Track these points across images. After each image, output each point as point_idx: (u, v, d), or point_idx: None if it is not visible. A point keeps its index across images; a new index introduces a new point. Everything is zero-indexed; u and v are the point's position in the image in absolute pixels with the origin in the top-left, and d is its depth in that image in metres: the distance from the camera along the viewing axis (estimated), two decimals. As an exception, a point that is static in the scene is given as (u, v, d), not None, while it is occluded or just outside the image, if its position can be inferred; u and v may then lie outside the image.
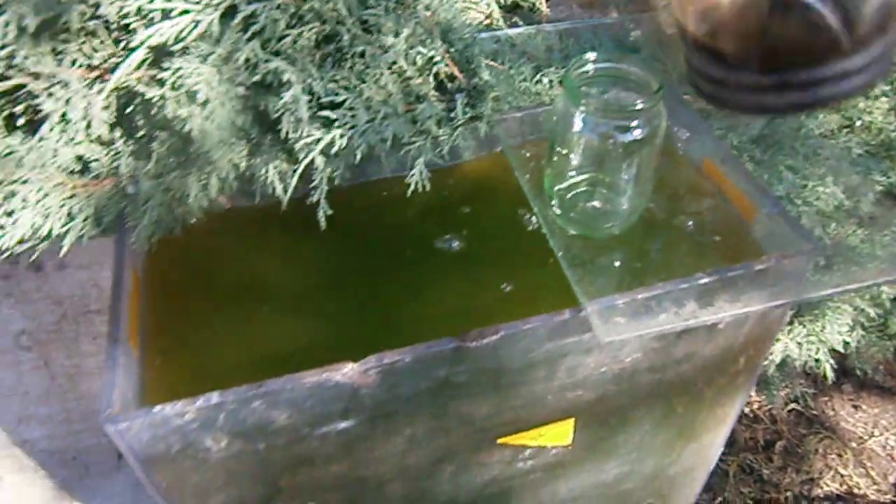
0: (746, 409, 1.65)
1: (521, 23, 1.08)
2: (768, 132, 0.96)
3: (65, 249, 0.65)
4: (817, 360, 1.38)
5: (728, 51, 0.48)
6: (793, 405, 1.65)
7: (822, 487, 1.53)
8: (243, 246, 0.80)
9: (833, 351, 1.35)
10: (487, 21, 1.11)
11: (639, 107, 0.61)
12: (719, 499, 1.48)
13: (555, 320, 0.64)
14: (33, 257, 0.72)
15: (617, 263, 0.70)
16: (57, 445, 1.52)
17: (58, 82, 0.53)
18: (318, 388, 0.61)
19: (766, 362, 1.39)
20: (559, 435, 0.79)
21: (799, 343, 1.36)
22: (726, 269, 0.66)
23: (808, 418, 1.64)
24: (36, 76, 0.53)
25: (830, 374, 1.34)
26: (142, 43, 0.52)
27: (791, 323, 1.34)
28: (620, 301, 0.64)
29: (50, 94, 0.53)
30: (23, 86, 0.53)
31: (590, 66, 0.66)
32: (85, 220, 0.66)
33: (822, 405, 1.65)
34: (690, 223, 0.73)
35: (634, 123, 0.62)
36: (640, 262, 0.69)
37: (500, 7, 1.14)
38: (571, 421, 0.78)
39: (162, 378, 0.69)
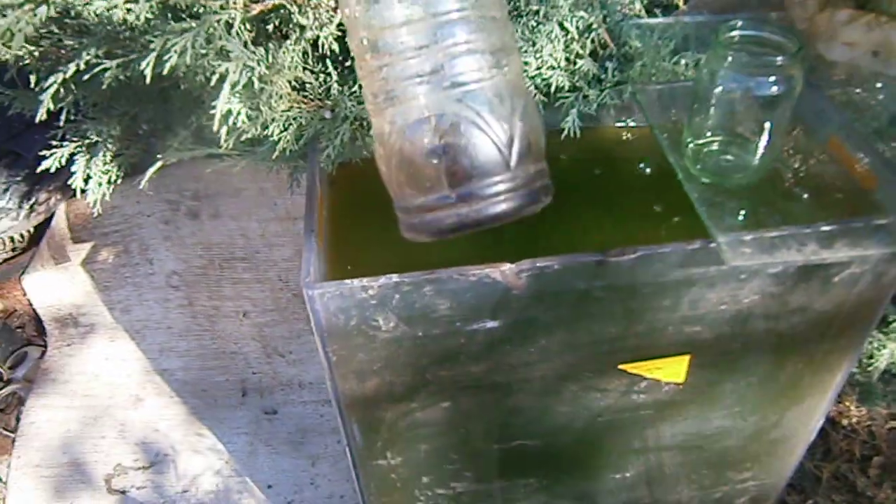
0: (845, 421, 1.65)
1: (660, 15, 1.18)
2: (893, 123, 1.02)
3: (277, 152, 0.79)
4: (924, 370, 1.39)
5: (420, 185, 0.66)
6: (893, 423, 1.64)
7: (918, 508, 1.52)
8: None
9: (942, 363, 1.36)
10: (630, 13, 1.22)
11: (779, 63, 0.70)
12: (810, 501, 1.50)
13: (687, 248, 0.73)
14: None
15: (745, 209, 0.78)
16: (191, 377, 1.69)
17: (309, 6, 0.67)
18: (478, 283, 0.72)
19: (870, 369, 1.42)
20: (674, 371, 0.87)
21: (905, 351, 1.38)
22: (847, 220, 0.74)
23: (909, 439, 1.63)
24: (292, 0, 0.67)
25: (937, 386, 1.35)
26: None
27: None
28: (748, 236, 0.72)
29: (303, 14, 0.67)
30: (281, 6, 0.67)
31: (736, 32, 0.75)
32: (293, 132, 0.80)
33: (924, 427, 1.64)
34: (815, 182, 0.80)
35: (773, 79, 0.71)
36: (766, 208, 0.77)
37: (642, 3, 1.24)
38: (687, 358, 0.86)
39: (337, 273, 0.82)
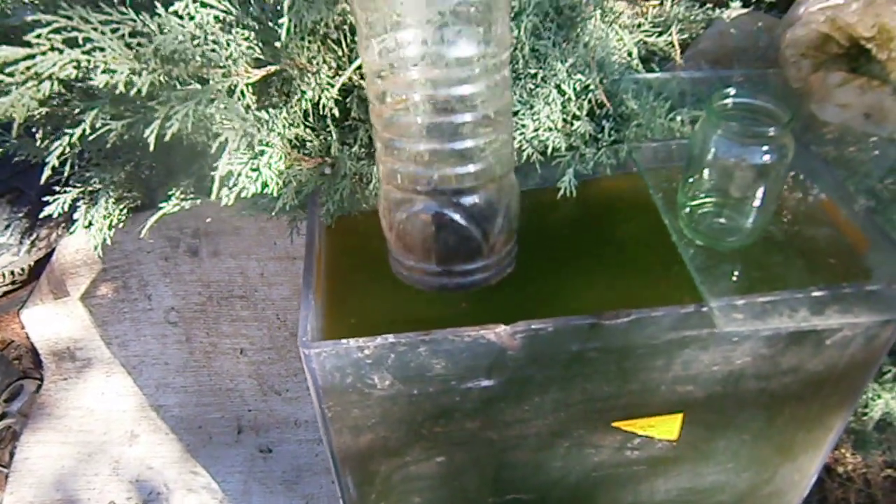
0: (840, 469, 1.65)
1: (657, 69, 1.20)
2: (887, 185, 1.03)
3: (277, 208, 0.80)
4: (918, 422, 1.40)
5: (414, 254, 0.77)
6: (889, 471, 1.64)
7: (914, 558, 1.51)
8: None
9: (936, 415, 1.36)
10: (626, 68, 1.24)
11: (771, 134, 0.72)
12: (806, 551, 1.49)
13: (680, 311, 0.74)
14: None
15: (737, 272, 0.79)
16: (187, 413, 1.69)
17: (310, 72, 0.69)
18: (473, 344, 0.73)
19: (865, 418, 1.42)
20: (668, 429, 0.87)
21: (900, 401, 1.38)
22: (838, 285, 0.75)
23: (904, 487, 1.62)
24: (293, 66, 0.68)
25: (931, 437, 1.35)
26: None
27: (894, 381, 1.36)
28: (740, 301, 0.73)
29: (303, 80, 0.68)
30: (282, 71, 0.69)
31: (729, 100, 0.77)
32: (293, 189, 0.81)
33: (920, 475, 1.64)
34: (807, 246, 0.82)
35: (766, 148, 0.73)
36: (758, 273, 0.78)
37: (638, 56, 1.27)
38: (680, 416, 0.86)
39: (340, 330, 0.83)
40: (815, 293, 0.74)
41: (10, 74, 0.51)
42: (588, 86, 0.86)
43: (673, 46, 1.23)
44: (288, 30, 0.64)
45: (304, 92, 0.69)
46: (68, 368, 1.74)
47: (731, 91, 0.77)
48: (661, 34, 1.23)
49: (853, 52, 0.98)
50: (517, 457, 0.88)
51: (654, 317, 0.74)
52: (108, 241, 1.10)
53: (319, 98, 0.70)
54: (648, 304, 0.78)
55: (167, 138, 0.61)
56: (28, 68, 0.52)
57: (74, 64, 0.53)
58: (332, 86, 0.70)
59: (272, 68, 0.68)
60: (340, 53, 0.72)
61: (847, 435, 1.62)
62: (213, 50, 0.61)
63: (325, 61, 0.70)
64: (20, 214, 1.68)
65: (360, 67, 0.73)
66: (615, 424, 0.85)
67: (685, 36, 1.25)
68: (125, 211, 1.12)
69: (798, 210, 0.87)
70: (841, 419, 0.93)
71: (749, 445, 0.93)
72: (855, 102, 0.97)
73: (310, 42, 0.68)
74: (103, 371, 1.74)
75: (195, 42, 0.59)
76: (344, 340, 0.72)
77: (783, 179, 0.77)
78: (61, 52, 0.52)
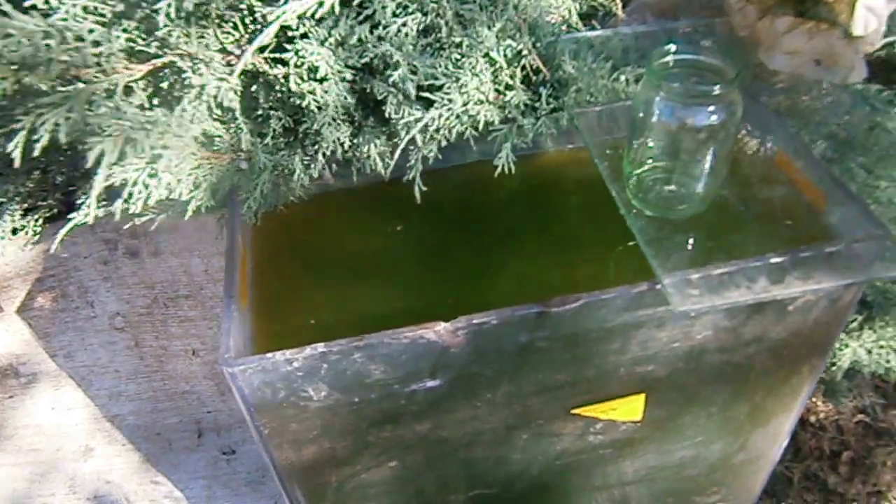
0: (812, 418, 1.64)
1: (598, 27, 1.13)
2: (840, 131, 0.98)
3: (189, 213, 0.73)
4: (888, 369, 1.38)
5: None
6: (861, 416, 1.63)
7: (890, 501, 1.51)
8: (339, 222, 0.87)
9: (904, 360, 1.34)
10: (564, 26, 1.17)
11: (716, 92, 0.66)
12: (783, 504, 1.48)
13: (632, 292, 0.69)
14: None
15: (691, 242, 0.74)
16: (143, 421, 1.62)
17: (202, 61, 0.61)
18: (413, 345, 0.67)
19: (833, 368, 1.39)
20: (630, 410, 0.83)
21: (868, 350, 1.36)
22: (797, 249, 0.70)
23: (877, 430, 1.62)
24: (183, 55, 0.61)
25: (901, 381, 1.34)
26: (276, 18, 0.59)
27: (861, 329, 1.33)
28: (695, 275, 0.68)
29: (195, 71, 0.61)
30: (171, 63, 0.61)
31: (670, 58, 0.71)
32: (206, 189, 0.74)
33: (891, 418, 1.63)
34: (763, 208, 0.77)
35: (711, 108, 0.67)
36: (713, 242, 0.73)
37: (579, 15, 1.20)
38: (642, 396, 0.82)
39: (266, 335, 0.76)
40: (774, 260, 0.69)
41: None
42: (520, 51, 0.79)
43: (614, 2, 1.16)
44: (168, 15, 0.56)
45: (202, 86, 0.61)
46: (13, 385, 1.66)
47: (672, 48, 0.71)
48: (600, -12, 1.16)
49: (799, -5, 0.92)
50: (475, 453, 0.83)
51: (605, 299, 0.68)
52: (31, 250, 1.01)
53: (218, 89, 0.62)
54: (599, 283, 0.72)
55: (36, 153, 0.53)
56: None
57: None
58: (231, 73, 0.63)
59: (158, 62, 0.60)
60: (238, 37, 0.64)
61: (818, 384, 1.61)
62: (77, 49, 0.53)
63: (223, 48, 0.63)
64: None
65: (262, 49, 0.65)
66: (575, 411, 0.80)
67: (627, -12, 1.18)
68: (40, 221, 1.04)
69: (752, 169, 0.82)
70: (809, 381, 0.89)
71: (717, 417, 0.89)
72: (804, 48, 0.91)
73: (199, 27, 0.61)
74: (51, 385, 1.65)
75: (48, 42, 0.51)
76: (270, 354, 0.66)
77: (733, 139, 0.72)
78: None
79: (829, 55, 0.90)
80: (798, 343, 0.81)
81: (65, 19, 0.54)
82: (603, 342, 0.73)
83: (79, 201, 0.91)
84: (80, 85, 0.54)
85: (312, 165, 0.79)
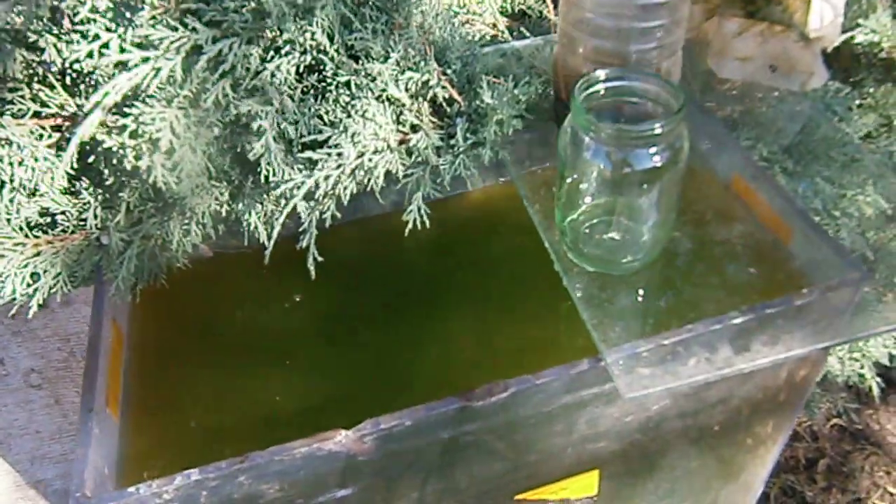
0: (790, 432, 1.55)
1: (528, 34, 1.01)
2: (801, 140, 0.88)
3: (32, 311, 0.60)
4: (861, 376, 1.30)
5: None
6: (835, 420, 1.55)
7: (870, 508, 1.44)
8: (233, 292, 0.75)
9: (878, 364, 1.27)
10: (493, 32, 1.05)
11: (657, 131, 0.54)
12: (761, 524, 1.39)
13: (571, 373, 0.57)
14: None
15: (640, 302, 0.62)
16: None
17: (6, 142, 0.48)
18: (310, 458, 0.55)
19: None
20: (584, 487, 0.72)
21: (840, 358, 1.28)
22: (762, 305, 0.59)
23: (853, 434, 1.54)
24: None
25: (876, 390, 1.26)
26: (97, 104, 0.47)
27: (839, 344, 1.25)
28: (644, 348, 0.57)
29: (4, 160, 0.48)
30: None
31: (600, 86, 0.59)
32: (55, 277, 0.61)
33: (866, 419, 1.56)
34: (721, 251, 0.66)
35: (653, 150, 0.55)
36: (665, 300, 0.62)
37: (506, 15, 1.08)
38: (595, 472, 0.71)
39: (145, 444, 0.64)
40: (736, 320, 0.58)
41: None
42: (427, 82, 0.67)
43: (544, 3, 1.05)
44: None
45: (10, 176, 0.48)
46: (-80, 457, 1.50)
47: (601, 74, 0.59)
48: (528, -10, 1.04)
49: (748, -7, 0.81)
50: (408, 552, 0.71)
51: (539, 384, 0.57)
52: None
53: (41, 178, 0.49)
54: (536, 353, 0.61)
55: None
56: None
57: None
58: (59, 151, 0.50)
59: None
60: (59, 102, 0.51)
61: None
62: None
63: (36, 114, 0.50)
64: None
65: (89, 113, 0.52)
66: (518, 497, 0.69)
67: (557, -12, 1.07)
68: None
69: (705, 201, 0.71)
70: (784, 431, 0.79)
71: (684, 479, 0.78)
72: (757, 53, 0.80)
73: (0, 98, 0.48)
74: (-37, 453, 1.50)
75: None
76: (133, 488, 0.53)
77: (681, 177, 0.60)
78: None
79: (786, 60, 0.80)
80: (770, 398, 0.71)
81: None
82: (544, 426, 0.62)
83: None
84: None
85: (190, 232, 0.66)
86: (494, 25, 1.01)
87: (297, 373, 0.67)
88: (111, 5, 0.46)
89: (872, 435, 1.54)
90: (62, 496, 1.47)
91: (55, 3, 0.43)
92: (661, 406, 0.65)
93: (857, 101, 1.07)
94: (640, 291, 0.63)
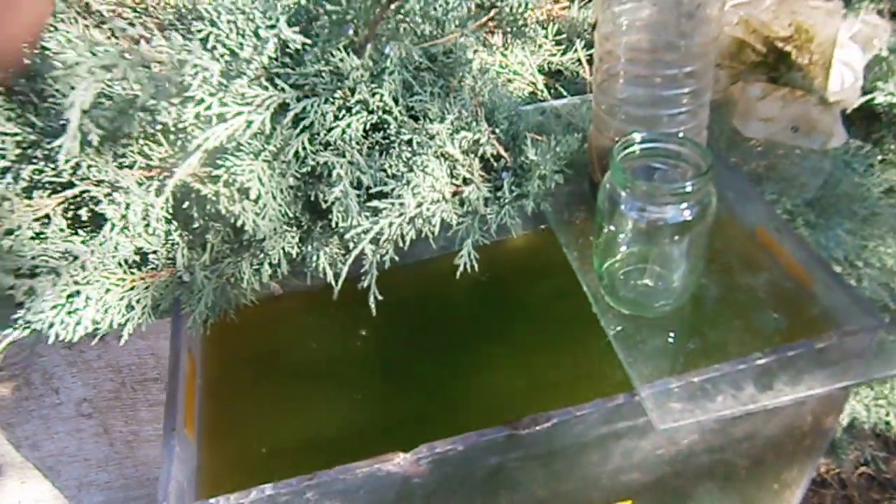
0: (815, 476, 1.57)
1: (565, 92, 1.09)
2: (823, 195, 0.94)
3: (124, 339, 0.67)
4: (888, 423, 1.32)
5: None
6: (863, 469, 1.57)
7: (899, 557, 1.45)
8: (296, 327, 0.82)
9: (904, 413, 1.29)
10: (532, 90, 1.13)
11: (688, 189, 0.61)
12: (789, 570, 1.40)
13: (608, 405, 0.63)
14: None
15: (671, 343, 0.68)
16: (115, 512, 1.54)
17: (119, 188, 0.56)
18: (370, 478, 0.61)
19: (832, 426, 1.33)
20: (617, 517, 0.77)
21: (866, 406, 1.31)
22: (784, 347, 0.64)
23: (881, 483, 1.56)
24: (98, 183, 0.55)
25: (902, 437, 1.28)
26: (198, 147, 0.55)
27: (858, 385, 1.28)
28: (675, 385, 0.62)
29: (111, 200, 0.56)
30: (84, 192, 0.56)
31: (636, 147, 0.66)
32: (143, 308, 0.68)
33: (895, 468, 1.57)
34: (746, 297, 0.71)
35: (684, 206, 0.62)
36: (694, 341, 0.67)
37: (543, 73, 1.15)
38: (629, 503, 0.75)
39: (219, 463, 0.70)
40: (760, 361, 0.63)
41: None
42: (478, 140, 0.74)
43: (580, 63, 1.13)
44: (82, 143, 0.51)
45: (123, 215, 0.56)
46: (-24, 480, 1.57)
47: (637, 137, 0.66)
48: (565, 52, 1.12)
49: (771, 60, 0.88)
50: (452, 574, 0.76)
51: (579, 416, 0.62)
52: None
53: (144, 216, 0.57)
54: (578, 388, 0.67)
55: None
56: None
57: None
58: (158, 195, 0.57)
59: (69, 193, 0.54)
60: (163, 153, 0.59)
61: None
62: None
63: (141, 166, 0.58)
64: None
65: (190, 154, 0.60)
66: (557, 524, 0.74)
67: (592, 52, 1.15)
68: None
69: (732, 251, 0.77)
70: (807, 472, 0.83)
71: (711, 514, 0.82)
72: (779, 115, 0.87)
73: (114, 150, 0.56)
74: (16, 478, 1.57)
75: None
76: (213, 500, 0.59)
77: (709, 231, 0.66)
78: None
79: (806, 122, 0.86)
80: (794, 436, 0.75)
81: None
82: (581, 455, 0.67)
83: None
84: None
85: (262, 271, 0.73)
86: (533, 84, 1.09)
87: (356, 402, 0.73)
88: (221, 79, 0.54)
89: (901, 484, 1.55)
90: (107, 523, 1.54)
91: (177, 79, 0.51)
92: (690, 440, 0.70)
93: (879, 157, 1.13)
94: (671, 333, 0.68)
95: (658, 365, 0.65)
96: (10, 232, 0.51)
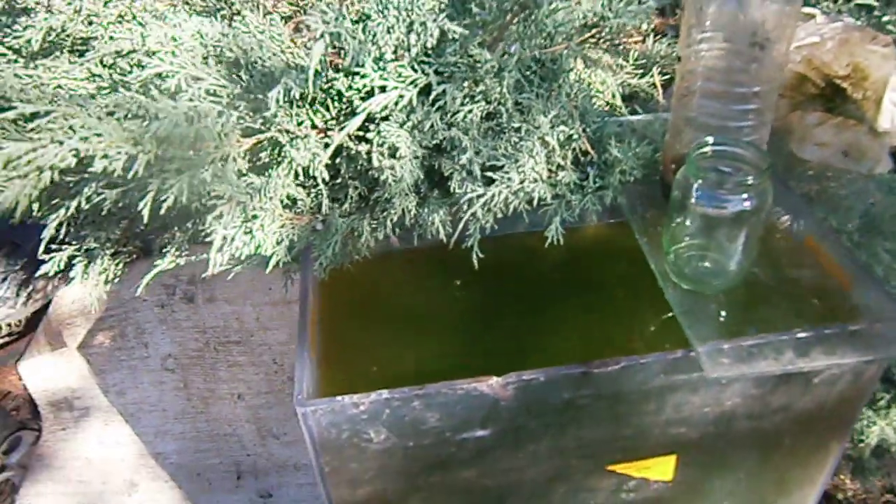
0: (840, 496, 1.65)
1: (640, 110, 1.22)
2: (867, 218, 1.05)
3: (269, 267, 0.82)
4: (915, 448, 1.40)
5: None
6: (889, 496, 1.64)
7: (917, 583, 1.51)
8: (399, 281, 0.96)
9: (932, 440, 1.37)
10: (609, 108, 1.27)
11: (749, 182, 0.74)
12: (809, 580, 1.48)
13: (668, 357, 0.75)
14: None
15: (723, 315, 0.80)
16: (186, 460, 1.69)
17: (300, 137, 0.71)
18: (466, 396, 0.74)
19: (861, 445, 1.42)
20: (662, 470, 0.88)
21: (895, 428, 1.39)
22: (822, 326, 0.76)
23: (905, 511, 1.62)
24: (283, 131, 0.70)
25: (928, 463, 1.36)
26: (364, 109, 0.69)
27: (889, 407, 1.37)
28: (726, 345, 0.75)
29: (293, 145, 0.70)
30: (272, 138, 0.71)
31: (709, 148, 0.79)
32: (286, 246, 0.83)
33: (920, 499, 1.64)
34: (791, 287, 0.83)
35: (745, 196, 0.75)
36: (744, 316, 0.80)
37: (621, 96, 1.29)
38: (674, 457, 0.87)
39: (335, 382, 0.84)
40: (800, 335, 0.75)
41: (14, 168, 0.53)
42: (571, 135, 0.88)
43: (655, 87, 1.26)
44: (277, 100, 0.66)
45: (293, 158, 0.71)
46: (66, 418, 1.74)
47: (711, 139, 0.79)
48: (643, 75, 1.26)
49: (829, 93, 1.00)
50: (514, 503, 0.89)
51: (644, 363, 0.75)
52: (105, 296, 1.11)
53: (311, 162, 0.72)
54: (638, 349, 0.79)
55: (162, 211, 0.63)
56: (30, 162, 0.53)
57: (74, 153, 0.55)
58: (325, 149, 0.72)
59: (262, 136, 0.70)
60: (329, 117, 0.74)
61: (846, 461, 1.63)
62: (206, 127, 0.63)
63: (313, 125, 0.73)
64: (16, 267, 1.69)
65: (356, 114, 0.75)
66: (610, 468, 0.86)
67: (667, 76, 1.28)
68: (121, 265, 1.14)
69: (782, 251, 0.89)
70: (834, 454, 0.94)
71: (744, 483, 0.93)
72: (833, 141, 0.99)
73: (298, 108, 0.71)
74: (101, 420, 1.73)
75: (190, 121, 0.61)
76: (339, 397, 0.73)
77: (763, 223, 0.79)
78: (61, 143, 0.54)
79: (856, 148, 0.98)
80: (823, 414, 0.86)
81: (191, 100, 0.64)
82: (640, 403, 0.79)
83: (164, 250, 1.01)
84: (201, 154, 0.64)
85: (379, 229, 0.87)
86: (612, 101, 1.23)
87: (452, 345, 0.87)
88: (379, 62, 0.69)
89: (924, 516, 1.62)
90: (177, 468, 1.68)
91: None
92: (733, 403, 0.82)
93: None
94: (725, 308, 0.81)
95: (712, 330, 0.78)
96: (224, 158, 0.66)
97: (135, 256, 1.16)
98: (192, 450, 1.71)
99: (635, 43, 1.42)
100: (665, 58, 1.38)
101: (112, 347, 1.74)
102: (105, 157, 0.56)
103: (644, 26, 1.43)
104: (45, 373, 1.73)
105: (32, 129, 0.56)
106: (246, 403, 1.70)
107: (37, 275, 1.02)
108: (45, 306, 1.77)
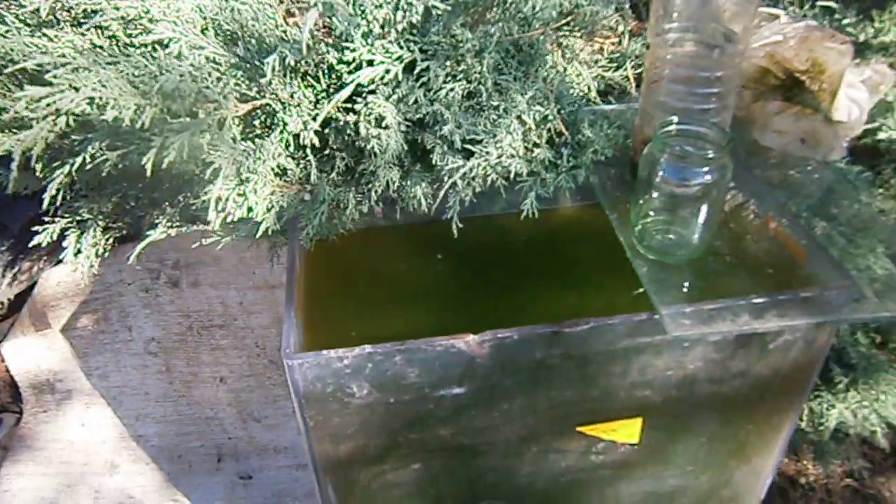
0: (803, 480, 1.72)
1: (613, 101, 1.28)
2: (824, 203, 1.11)
3: (260, 232, 0.86)
4: (873, 431, 1.46)
5: None
6: (848, 481, 1.71)
7: (874, 566, 1.58)
8: (381, 253, 1.00)
9: (889, 425, 1.43)
10: (584, 100, 1.32)
11: (710, 156, 0.80)
12: (771, 561, 1.55)
13: (634, 319, 0.81)
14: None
15: (686, 283, 0.86)
16: (167, 443, 1.71)
17: (293, 105, 0.75)
18: (445, 353, 0.79)
19: (821, 428, 1.49)
20: (629, 433, 0.93)
21: (854, 412, 1.45)
22: (777, 293, 0.82)
23: (864, 496, 1.69)
24: (277, 99, 0.75)
25: (884, 443, 1.43)
26: (352, 81, 0.74)
27: (847, 390, 1.43)
28: (688, 308, 0.80)
29: (286, 113, 0.75)
30: (266, 105, 0.75)
31: (673, 127, 0.85)
32: (275, 214, 0.87)
33: (878, 484, 1.71)
34: (750, 259, 0.89)
35: (706, 170, 0.80)
36: (705, 283, 0.85)
37: (597, 91, 1.35)
38: (639, 420, 0.92)
39: (312, 345, 0.88)
40: (756, 300, 0.81)
41: (33, 111, 0.57)
42: (547, 116, 0.93)
43: (628, 80, 1.32)
44: (272, 68, 0.71)
45: (286, 124, 0.75)
46: (48, 401, 1.76)
47: (675, 119, 0.85)
48: (617, 69, 1.32)
49: (788, 84, 1.07)
50: (488, 463, 0.93)
51: (611, 324, 0.80)
52: (95, 269, 1.14)
53: (301, 130, 0.76)
54: (606, 314, 0.84)
55: (163, 166, 0.67)
56: (49, 105, 0.57)
57: (88, 100, 0.59)
58: (315, 119, 0.77)
59: (258, 103, 0.74)
60: (319, 89, 0.79)
61: (808, 446, 1.69)
62: (208, 87, 0.67)
63: (304, 96, 0.77)
64: (2, 248, 1.71)
65: (343, 87, 0.79)
66: (579, 429, 0.91)
67: (640, 70, 1.34)
68: (111, 241, 1.17)
69: (743, 227, 0.95)
70: (788, 421, 1.00)
71: (706, 448, 0.99)
72: (791, 129, 1.05)
73: (291, 79, 0.75)
74: (83, 402, 1.76)
75: (193, 80, 0.66)
76: (325, 351, 0.78)
77: (724, 196, 0.85)
78: (77, 89, 0.58)
79: (813, 136, 1.04)
80: (778, 380, 0.92)
81: (196, 66, 0.68)
82: (607, 364, 0.85)
83: (154, 221, 1.04)
84: (201, 117, 0.68)
85: (364, 201, 0.92)
86: (587, 92, 1.29)
87: (430, 310, 0.92)
88: (367, 38, 0.74)
89: (882, 501, 1.69)
90: (159, 451, 1.71)
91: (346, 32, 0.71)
92: (695, 367, 0.87)
93: (880, 191, 1.31)
94: (687, 275, 0.86)
95: (675, 296, 0.83)
96: (221, 122, 0.70)
97: (124, 232, 1.19)
98: (174, 433, 1.74)
99: (612, 44, 1.49)
100: (640, 56, 1.44)
101: (95, 330, 1.76)
102: (116, 107, 0.60)
103: (621, 28, 1.49)
104: (28, 354, 1.75)
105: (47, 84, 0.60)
106: (228, 387, 1.73)
107: (30, 244, 1.05)
108: (31, 288, 1.79)
